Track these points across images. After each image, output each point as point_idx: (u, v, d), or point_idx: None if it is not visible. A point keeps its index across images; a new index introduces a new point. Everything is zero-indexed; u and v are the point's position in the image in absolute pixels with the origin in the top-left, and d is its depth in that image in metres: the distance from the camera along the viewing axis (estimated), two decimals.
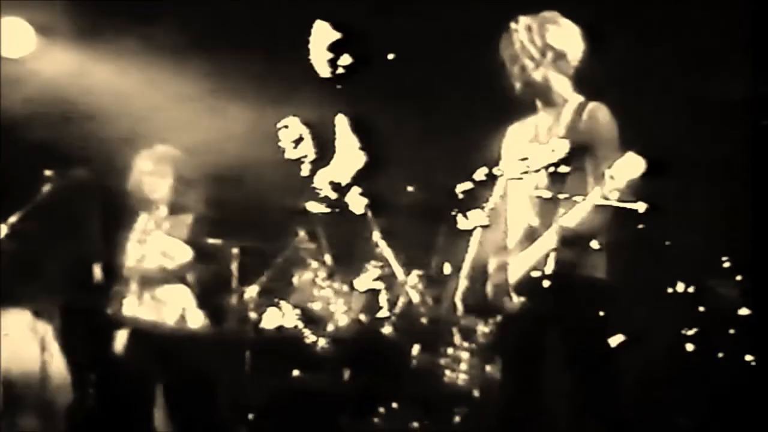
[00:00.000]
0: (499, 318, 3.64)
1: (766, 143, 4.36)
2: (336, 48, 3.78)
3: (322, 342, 5.14)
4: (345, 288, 5.26)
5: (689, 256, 4.43)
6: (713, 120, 4.48)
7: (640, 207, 3.19)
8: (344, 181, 3.85)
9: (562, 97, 3.63)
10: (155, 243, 4.81)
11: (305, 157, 4.06)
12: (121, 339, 4.76)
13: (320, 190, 3.95)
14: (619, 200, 3.20)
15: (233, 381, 5.09)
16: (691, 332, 4.38)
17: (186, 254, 4.78)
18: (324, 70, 3.82)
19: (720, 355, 4.35)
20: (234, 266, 5.33)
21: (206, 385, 5.00)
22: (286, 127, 4.08)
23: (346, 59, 3.78)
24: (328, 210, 3.98)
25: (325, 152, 4.05)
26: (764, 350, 4.30)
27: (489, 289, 3.66)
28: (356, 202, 3.96)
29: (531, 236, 3.54)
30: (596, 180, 3.35)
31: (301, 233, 5.44)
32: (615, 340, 3.56)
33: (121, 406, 4.62)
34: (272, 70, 5.35)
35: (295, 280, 5.38)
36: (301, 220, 5.41)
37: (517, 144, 3.75)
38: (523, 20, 3.62)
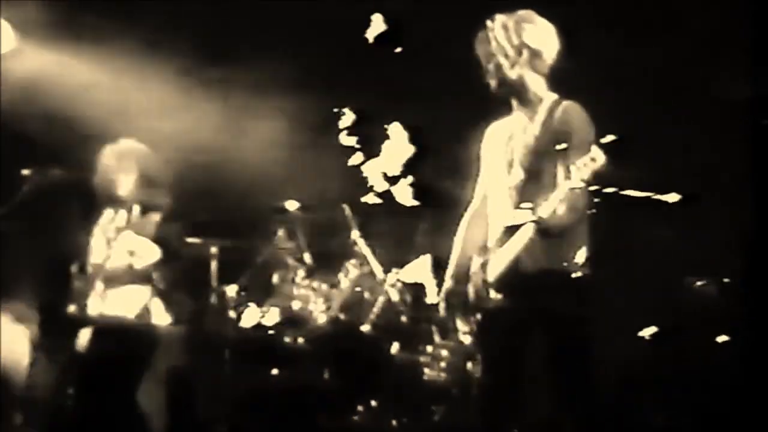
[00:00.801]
0: (479, 316, 3.65)
1: (766, 143, 4.41)
2: None
3: (301, 341, 5.15)
4: (324, 287, 5.27)
5: (688, 255, 4.53)
6: (714, 119, 4.56)
7: (671, 198, 3.30)
8: (394, 172, 3.87)
9: (537, 95, 3.66)
10: (123, 241, 4.74)
11: (358, 146, 4.06)
12: (84, 337, 4.73)
13: (369, 180, 3.95)
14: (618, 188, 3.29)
15: (213, 380, 5.10)
16: (671, 329, 4.45)
17: (154, 254, 4.73)
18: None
19: (699, 352, 4.44)
20: (213, 265, 5.34)
21: (185, 383, 5.00)
22: (342, 114, 4.07)
23: None
24: (378, 201, 3.99)
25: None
26: (745, 347, 4.39)
27: (471, 288, 3.68)
28: (404, 193, 3.97)
29: (510, 234, 3.56)
30: (564, 172, 3.43)
31: (280, 232, 5.44)
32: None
33: (100, 405, 4.61)
34: (244, 68, 5.40)
35: (274, 279, 5.38)
36: (280, 219, 5.44)
37: (494, 144, 3.79)
38: (500, 18, 3.65)
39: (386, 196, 4.03)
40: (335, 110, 4.09)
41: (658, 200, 3.36)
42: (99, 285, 4.71)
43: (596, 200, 3.36)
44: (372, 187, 4.03)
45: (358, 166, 4.04)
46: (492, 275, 3.59)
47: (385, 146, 4.05)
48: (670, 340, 4.46)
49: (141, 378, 4.46)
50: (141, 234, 4.70)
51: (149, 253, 4.70)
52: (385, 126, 3.95)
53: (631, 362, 4.54)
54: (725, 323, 4.35)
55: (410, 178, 3.99)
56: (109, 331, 4.63)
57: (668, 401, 4.47)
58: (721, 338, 4.33)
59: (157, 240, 4.73)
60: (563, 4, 3.68)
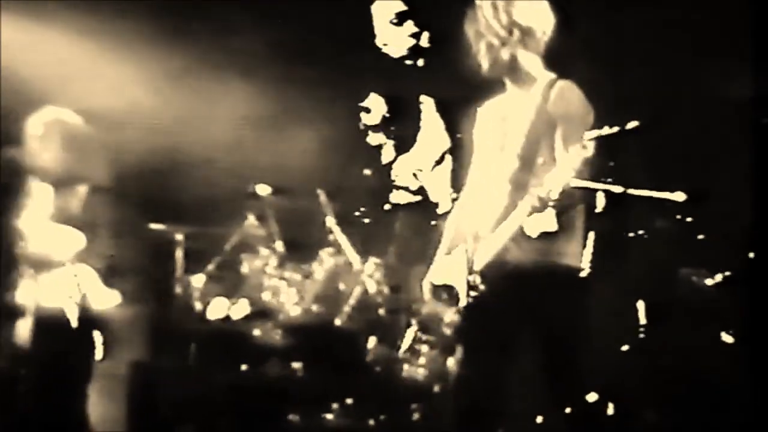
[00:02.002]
0: (462, 306, 3.55)
1: (766, 141, 4.48)
2: None
3: (272, 334, 5.14)
4: (297, 277, 5.26)
5: (687, 252, 4.56)
6: (714, 118, 4.63)
7: (678, 197, 3.24)
8: (427, 168, 3.78)
9: (531, 75, 3.59)
10: (45, 230, 4.59)
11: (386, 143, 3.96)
12: (23, 329, 4.58)
13: (399, 179, 3.86)
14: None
15: (177, 374, 5.06)
16: (668, 325, 4.46)
17: (79, 242, 4.58)
18: None
19: (697, 349, 4.46)
20: (178, 253, 5.31)
21: (147, 380, 4.93)
22: (368, 110, 3.97)
23: None
24: (410, 200, 3.90)
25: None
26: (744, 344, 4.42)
27: (458, 276, 3.59)
28: (437, 190, 3.87)
29: (504, 220, 3.49)
30: (558, 157, 3.39)
31: (251, 218, 5.43)
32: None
33: (52, 402, 4.48)
34: (211, 43, 5.36)
35: (244, 268, 5.36)
36: (251, 205, 5.43)
37: (487, 127, 3.73)
38: None
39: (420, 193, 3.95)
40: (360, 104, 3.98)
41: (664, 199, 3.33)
42: (29, 272, 4.52)
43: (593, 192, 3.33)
44: (399, 186, 3.93)
45: (389, 165, 3.91)
46: (479, 264, 3.50)
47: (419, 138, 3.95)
48: (667, 336, 4.48)
49: (88, 372, 4.30)
50: (66, 210, 4.49)
51: (73, 243, 4.53)
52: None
53: (624, 360, 4.55)
54: (724, 321, 4.42)
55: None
56: (46, 322, 4.44)
57: (663, 400, 4.47)
58: (724, 337, 4.38)
59: (84, 217, 4.49)
60: None
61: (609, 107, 3.56)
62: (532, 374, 3.59)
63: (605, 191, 3.30)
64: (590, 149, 3.19)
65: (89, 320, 4.30)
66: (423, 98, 3.92)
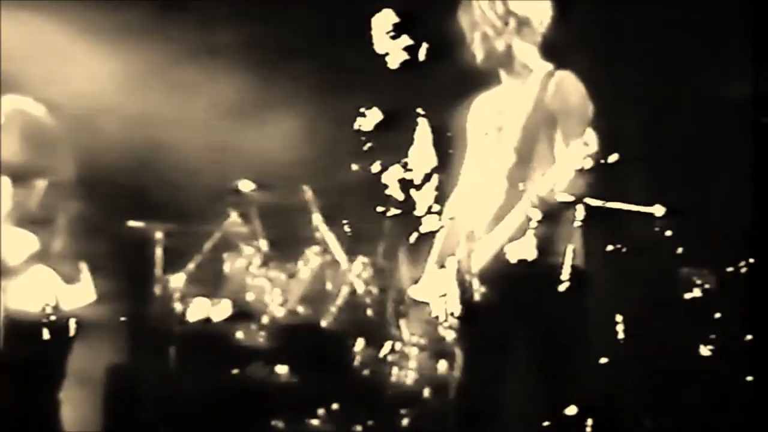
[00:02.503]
0: (461, 309, 3.55)
1: (766, 141, 4.53)
2: None
3: (255, 337, 5.13)
4: (282, 276, 5.23)
5: (684, 251, 4.55)
6: (714, 117, 4.69)
7: (657, 211, 3.26)
8: (417, 179, 3.78)
9: (527, 66, 3.59)
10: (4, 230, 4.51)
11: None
12: None
13: (388, 189, 3.87)
14: (634, 203, 3.26)
15: (156, 379, 5.04)
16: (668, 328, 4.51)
17: (31, 245, 4.51)
18: None
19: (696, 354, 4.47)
20: (158, 252, 5.26)
21: (125, 384, 4.91)
22: (363, 115, 3.96)
23: None
24: (398, 211, 3.93)
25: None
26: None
27: (455, 278, 3.59)
28: (426, 203, 3.87)
29: (500, 220, 3.48)
30: (558, 151, 3.40)
31: (233, 215, 5.40)
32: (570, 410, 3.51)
33: (22, 410, 4.42)
34: (190, 29, 5.31)
35: (226, 267, 5.34)
36: (233, 201, 5.39)
37: (483, 120, 3.71)
38: None
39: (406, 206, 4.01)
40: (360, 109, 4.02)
41: (644, 212, 3.37)
42: None
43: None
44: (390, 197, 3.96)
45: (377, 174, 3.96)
46: (477, 265, 3.50)
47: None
48: (667, 339, 4.52)
49: (60, 376, 4.24)
50: (24, 206, 4.39)
51: (24, 247, 4.45)
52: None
53: (624, 362, 4.49)
54: (723, 323, 4.45)
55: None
56: (12, 326, 4.33)
57: (664, 405, 4.47)
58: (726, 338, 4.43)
59: (45, 213, 4.36)
60: None
61: (608, 101, 3.59)
62: (531, 378, 3.59)
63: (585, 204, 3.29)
64: (593, 145, 3.16)
65: (59, 322, 4.24)
66: (420, 114, 3.96)
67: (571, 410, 3.43)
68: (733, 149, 4.61)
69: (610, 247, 4.08)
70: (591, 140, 3.17)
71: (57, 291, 4.23)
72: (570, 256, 3.31)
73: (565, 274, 3.31)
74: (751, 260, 4.43)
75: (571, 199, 3.28)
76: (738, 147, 4.58)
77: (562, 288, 3.31)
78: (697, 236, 4.50)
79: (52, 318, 4.14)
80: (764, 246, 4.45)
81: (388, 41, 3.94)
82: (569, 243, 3.40)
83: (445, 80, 4.57)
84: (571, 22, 3.83)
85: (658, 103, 4.77)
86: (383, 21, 3.96)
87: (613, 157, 3.20)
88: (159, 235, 5.28)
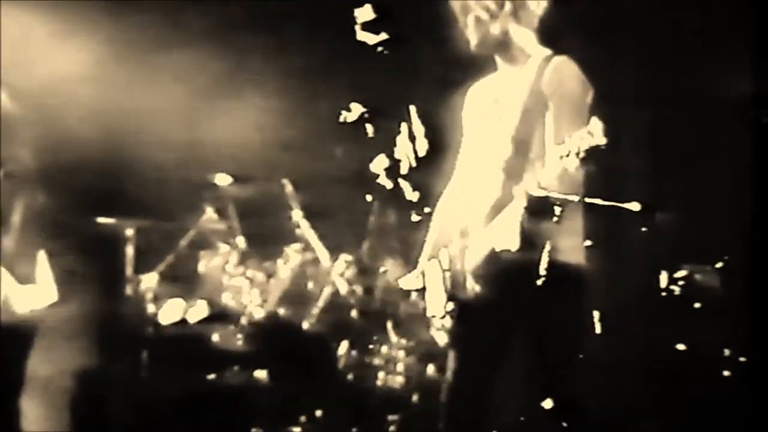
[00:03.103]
0: (452, 309, 3.49)
1: (766, 140, 4.66)
2: None
3: (232, 339, 5.09)
4: (260, 276, 5.19)
5: (683, 251, 4.71)
6: (714, 117, 4.83)
7: (634, 206, 3.20)
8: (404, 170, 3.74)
9: (524, 52, 3.53)
10: None
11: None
12: None
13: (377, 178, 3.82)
14: (610, 199, 3.22)
15: (127, 385, 5.00)
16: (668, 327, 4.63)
17: None
18: None
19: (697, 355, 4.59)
20: (129, 250, 5.22)
21: (94, 389, 4.80)
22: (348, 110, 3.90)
23: None
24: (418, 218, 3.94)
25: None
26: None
27: (447, 276, 3.55)
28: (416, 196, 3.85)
29: (495, 214, 3.42)
30: (556, 142, 3.28)
31: (209, 211, 5.36)
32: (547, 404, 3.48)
33: None
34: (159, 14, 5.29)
35: (201, 266, 5.31)
36: (209, 196, 5.36)
37: (478, 109, 3.67)
38: None
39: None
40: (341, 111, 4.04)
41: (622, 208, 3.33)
42: None
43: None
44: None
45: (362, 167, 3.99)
46: (470, 263, 3.45)
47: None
48: (668, 339, 4.60)
49: (18, 383, 4.19)
50: None
51: None
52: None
53: (624, 364, 4.60)
54: (725, 319, 4.60)
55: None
56: None
57: (665, 409, 4.53)
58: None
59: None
60: None
61: (608, 89, 3.53)
62: (526, 378, 3.55)
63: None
64: (598, 136, 3.05)
65: (14, 325, 4.16)
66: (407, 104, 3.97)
67: (567, 416, 3.38)
68: (733, 148, 4.72)
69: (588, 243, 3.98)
70: (596, 130, 3.08)
71: (10, 292, 4.16)
72: (548, 251, 3.26)
73: (543, 269, 3.26)
74: (751, 257, 4.56)
75: (567, 197, 3.23)
76: (738, 146, 4.69)
77: (539, 282, 3.26)
78: (696, 233, 4.62)
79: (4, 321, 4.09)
80: (764, 243, 4.56)
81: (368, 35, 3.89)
82: (563, 238, 3.36)
83: (436, 68, 4.72)
84: (571, 4, 3.83)
85: (658, 101, 4.88)
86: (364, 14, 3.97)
87: (601, 139, 3.11)
88: (130, 231, 5.24)
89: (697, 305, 4.59)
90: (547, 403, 3.34)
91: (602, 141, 3.06)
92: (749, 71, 4.72)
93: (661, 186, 4.89)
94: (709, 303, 4.57)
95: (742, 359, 4.49)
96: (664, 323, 4.60)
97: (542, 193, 3.22)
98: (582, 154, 3.06)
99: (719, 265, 4.61)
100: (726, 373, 4.51)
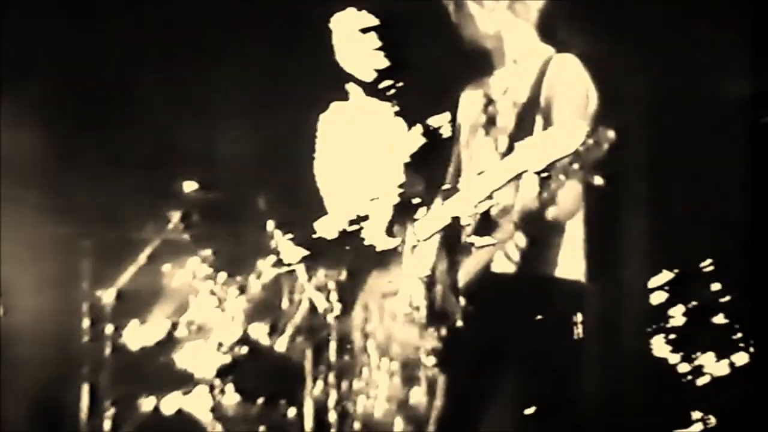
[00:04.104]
0: (443, 330, 3.48)
1: (765, 141, 4.86)
2: None
3: (198, 361, 5.01)
4: (230, 291, 5.14)
5: (682, 254, 4.98)
6: (713, 117, 4.99)
7: (597, 180, 3.16)
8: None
9: (523, 49, 3.53)
10: None
11: None
12: None
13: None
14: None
15: (83, 413, 4.98)
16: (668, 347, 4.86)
17: None
18: None
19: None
20: (86, 263, 5.20)
21: (47, 418, 4.90)
22: None
23: None
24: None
25: None
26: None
27: (437, 293, 3.54)
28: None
29: (489, 226, 3.42)
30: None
31: (174, 220, 5.27)
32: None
33: None
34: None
35: (165, 281, 5.24)
36: (174, 203, 5.27)
37: (472, 112, 3.67)
38: None
39: None
40: None
41: None
42: None
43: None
44: None
45: None
46: (463, 278, 3.45)
47: None
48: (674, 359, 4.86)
49: None
50: None
51: None
52: None
53: (627, 386, 4.75)
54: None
55: None
56: None
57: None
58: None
59: None
60: None
61: (612, 93, 3.55)
62: (522, 410, 3.49)
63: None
64: (605, 145, 3.06)
65: None
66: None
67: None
68: (733, 149, 4.92)
69: None
70: (604, 139, 3.08)
71: None
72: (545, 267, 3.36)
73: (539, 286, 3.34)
74: (750, 258, 4.78)
75: (565, 212, 3.29)
76: (737, 146, 4.90)
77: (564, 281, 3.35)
78: (695, 234, 4.88)
79: None
80: (763, 243, 4.75)
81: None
82: (562, 253, 3.40)
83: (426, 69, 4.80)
84: None
85: (658, 102, 5.01)
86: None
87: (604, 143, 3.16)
88: (87, 242, 5.21)
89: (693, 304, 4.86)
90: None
91: (605, 150, 3.05)
92: (748, 71, 4.89)
93: (659, 186, 5.06)
94: (707, 305, 4.82)
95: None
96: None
97: (538, 208, 3.21)
98: (587, 166, 3.06)
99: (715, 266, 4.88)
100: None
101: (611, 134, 3.08)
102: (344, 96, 4.34)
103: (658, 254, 5.02)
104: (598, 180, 3.14)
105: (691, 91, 4.96)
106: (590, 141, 3.09)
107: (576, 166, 3.11)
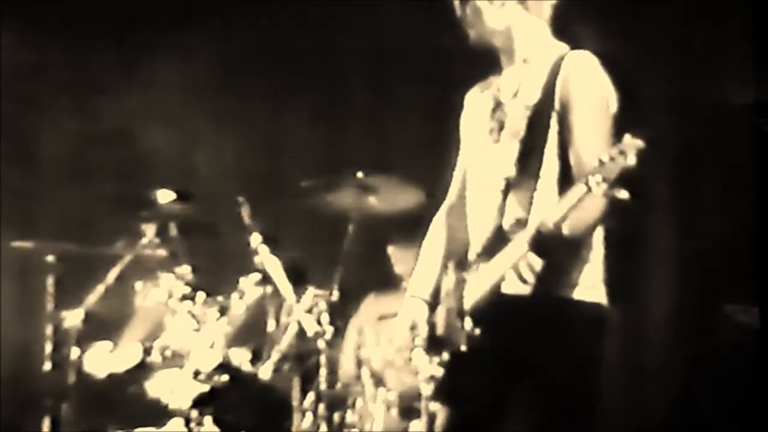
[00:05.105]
0: (446, 356, 3.47)
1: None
2: None
3: (174, 390, 4.91)
4: (210, 313, 5.04)
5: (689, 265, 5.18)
6: (716, 124, 5.27)
7: (622, 195, 3.16)
8: None
9: (534, 46, 3.54)
10: None
11: None
12: None
13: None
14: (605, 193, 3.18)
15: None
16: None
17: None
18: None
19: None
20: (49, 281, 5.14)
21: None
22: None
23: None
24: None
25: None
26: None
27: (440, 315, 3.53)
28: None
29: (499, 242, 3.42)
30: (575, 159, 3.37)
31: (148, 233, 5.23)
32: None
33: None
34: None
35: (138, 300, 5.13)
36: (149, 215, 5.24)
37: (478, 117, 3.66)
38: None
39: None
40: None
41: None
42: None
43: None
44: None
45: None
46: (469, 300, 3.43)
47: None
48: (705, 391, 4.93)
49: None
50: None
51: None
52: None
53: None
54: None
55: None
56: None
57: None
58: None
59: None
60: None
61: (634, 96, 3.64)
62: None
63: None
64: (631, 156, 3.06)
65: None
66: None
67: None
68: (735, 156, 5.16)
69: None
70: (630, 148, 3.05)
71: None
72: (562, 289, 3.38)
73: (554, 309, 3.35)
74: (753, 265, 4.97)
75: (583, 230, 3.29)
76: (739, 154, 5.11)
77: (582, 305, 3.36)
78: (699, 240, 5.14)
79: None
80: (766, 250, 4.96)
81: None
82: (580, 273, 3.40)
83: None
84: None
85: (660, 109, 5.23)
86: None
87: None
88: (51, 258, 5.15)
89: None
90: None
91: (633, 161, 3.02)
92: (751, 79, 5.10)
93: (661, 194, 5.25)
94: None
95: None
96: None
97: (553, 225, 3.20)
98: (612, 179, 3.05)
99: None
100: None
101: (639, 143, 3.05)
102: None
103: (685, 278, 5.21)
104: (623, 194, 3.11)
105: (694, 98, 5.21)
106: (614, 150, 3.05)
107: (599, 177, 3.08)
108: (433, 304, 3.62)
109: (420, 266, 3.74)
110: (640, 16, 5.33)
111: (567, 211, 3.18)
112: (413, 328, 3.60)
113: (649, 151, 3.17)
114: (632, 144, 3.06)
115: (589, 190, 3.12)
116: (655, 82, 5.32)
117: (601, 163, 3.06)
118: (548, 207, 3.26)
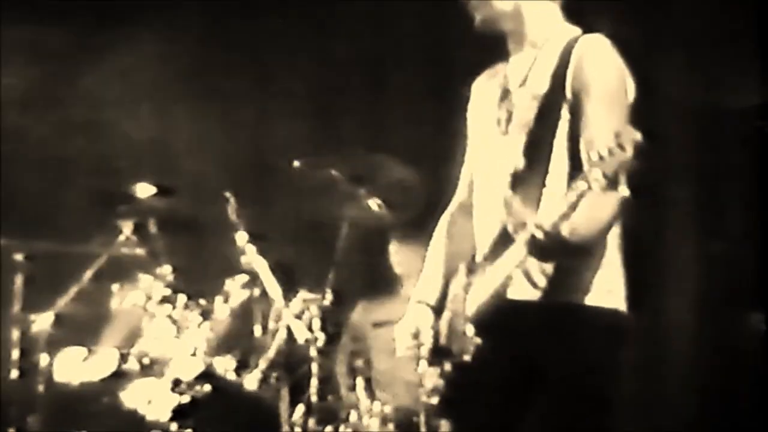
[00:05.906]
0: (448, 366, 3.46)
1: None
2: None
3: (152, 401, 4.86)
4: (192, 317, 5.02)
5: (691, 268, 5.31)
6: (720, 127, 5.44)
7: (623, 191, 3.14)
8: None
9: (544, 32, 3.52)
10: None
11: None
12: None
13: None
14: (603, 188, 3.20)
15: None
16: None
17: None
18: None
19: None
20: (18, 281, 5.15)
21: None
22: None
23: None
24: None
25: None
26: None
27: (444, 321, 3.52)
28: None
29: (505, 243, 3.39)
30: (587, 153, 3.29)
31: (126, 231, 5.22)
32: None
33: None
34: None
35: (114, 303, 5.11)
36: (126, 211, 5.21)
37: (484, 107, 3.65)
38: None
39: None
40: None
41: None
42: None
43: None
44: None
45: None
46: (471, 306, 3.43)
47: None
48: (727, 402, 4.99)
49: None
50: None
51: None
52: None
53: None
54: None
55: None
56: None
57: None
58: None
59: None
60: None
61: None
62: None
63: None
64: (629, 150, 3.02)
65: None
66: None
67: None
68: (740, 158, 5.31)
69: None
70: (627, 141, 3.02)
71: None
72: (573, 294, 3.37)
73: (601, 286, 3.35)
74: (758, 267, 5.15)
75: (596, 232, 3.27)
76: (744, 156, 5.27)
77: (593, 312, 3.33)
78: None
79: None
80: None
81: None
82: (595, 277, 3.37)
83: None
84: None
85: (664, 111, 5.26)
86: None
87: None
88: (19, 257, 5.17)
89: None
90: None
91: (630, 156, 3.01)
92: (756, 81, 5.25)
93: (666, 195, 5.39)
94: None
95: None
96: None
97: (551, 226, 3.19)
98: (611, 174, 3.04)
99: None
100: None
101: (637, 136, 3.02)
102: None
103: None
104: (624, 191, 3.09)
105: (698, 100, 5.37)
106: (612, 144, 3.03)
107: (598, 173, 3.06)
108: (439, 309, 3.61)
109: (426, 270, 3.73)
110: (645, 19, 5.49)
111: (567, 209, 3.15)
112: (416, 336, 3.58)
113: (647, 144, 3.11)
114: (630, 136, 3.03)
115: (589, 186, 3.10)
116: (657, 85, 5.23)
117: (601, 157, 3.04)
118: (548, 206, 3.24)
